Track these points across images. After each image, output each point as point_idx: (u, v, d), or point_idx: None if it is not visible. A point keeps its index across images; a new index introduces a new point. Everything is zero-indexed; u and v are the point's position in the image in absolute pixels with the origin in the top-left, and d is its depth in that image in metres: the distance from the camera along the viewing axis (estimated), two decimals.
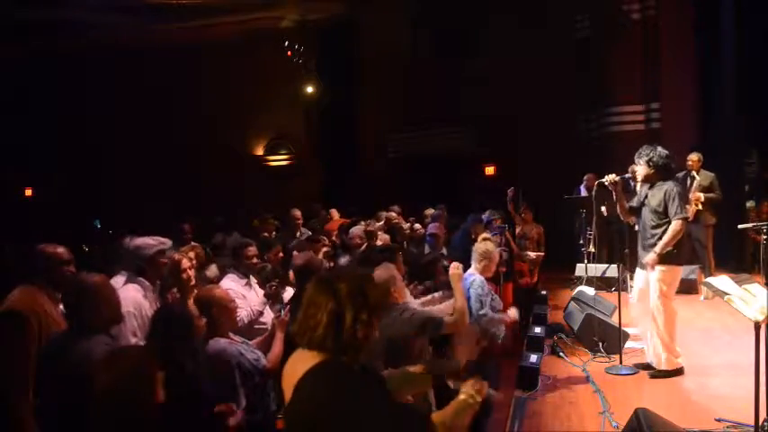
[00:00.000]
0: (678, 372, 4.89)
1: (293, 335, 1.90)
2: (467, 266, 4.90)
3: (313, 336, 1.81)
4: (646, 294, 4.98)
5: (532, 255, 6.93)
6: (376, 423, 1.73)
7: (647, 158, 4.92)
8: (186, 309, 2.88)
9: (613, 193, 5.07)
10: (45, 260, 3.24)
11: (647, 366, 5.11)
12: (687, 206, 5.03)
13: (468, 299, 4.41)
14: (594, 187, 5.37)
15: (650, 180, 4.95)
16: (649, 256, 4.84)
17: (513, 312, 4.71)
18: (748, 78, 8.72)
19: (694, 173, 7.56)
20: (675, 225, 4.76)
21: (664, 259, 4.80)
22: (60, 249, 3.29)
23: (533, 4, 10.70)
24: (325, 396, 1.75)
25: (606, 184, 5.06)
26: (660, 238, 4.81)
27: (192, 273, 4.08)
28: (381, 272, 3.41)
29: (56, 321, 3.08)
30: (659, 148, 4.97)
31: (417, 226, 7.39)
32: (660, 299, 4.83)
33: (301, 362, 1.84)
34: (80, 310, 2.80)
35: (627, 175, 5.15)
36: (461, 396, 1.95)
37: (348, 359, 1.83)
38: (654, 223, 4.88)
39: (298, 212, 7.78)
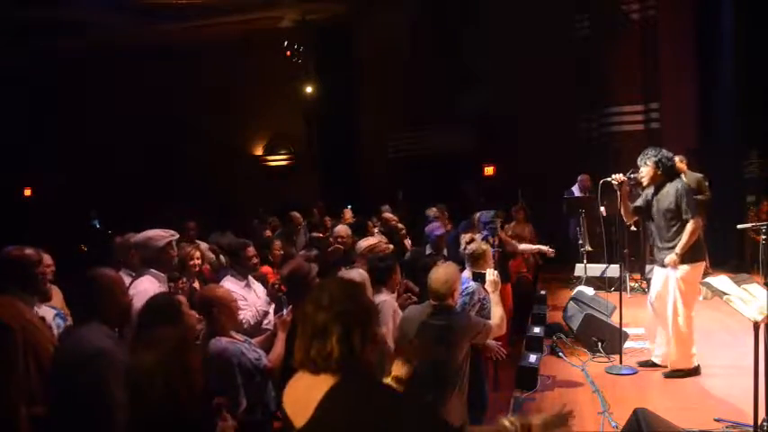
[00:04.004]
0: (695, 371, 4.88)
1: (298, 363, 1.84)
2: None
3: (326, 364, 1.77)
4: (663, 294, 4.97)
5: (531, 248, 6.86)
6: None
7: (655, 160, 4.90)
8: (174, 298, 2.86)
9: (618, 193, 5.06)
10: (14, 265, 3.05)
11: (650, 364, 5.11)
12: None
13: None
14: (600, 186, 5.36)
15: (655, 181, 4.94)
16: (670, 257, 4.82)
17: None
18: (748, 78, 8.71)
19: (682, 175, 7.53)
20: (692, 224, 4.77)
21: (684, 258, 4.81)
22: (29, 251, 3.10)
23: (533, 4, 10.69)
24: (363, 418, 1.71)
25: (613, 183, 5.05)
26: (677, 237, 4.81)
27: (198, 263, 4.31)
28: (449, 270, 3.40)
29: (37, 329, 2.97)
30: (663, 150, 4.97)
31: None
32: (681, 298, 4.82)
33: (312, 387, 1.79)
34: (85, 303, 2.73)
35: (633, 175, 5.14)
36: (505, 422, 1.77)
37: (364, 376, 1.81)
38: (670, 223, 4.87)
39: (299, 216, 7.79)
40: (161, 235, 3.72)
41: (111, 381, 2.41)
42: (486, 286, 3.80)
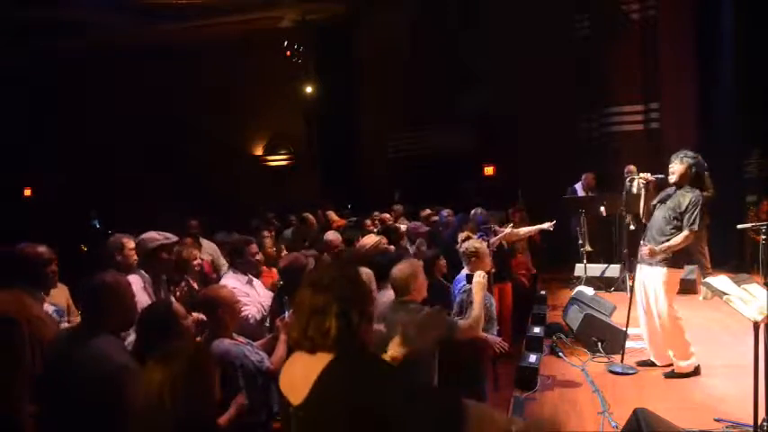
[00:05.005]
0: (695, 371, 4.88)
1: (294, 342, 1.88)
2: (453, 268, 4.90)
3: (324, 341, 1.81)
4: (646, 296, 5.00)
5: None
6: (418, 409, 1.75)
7: (691, 162, 4.88)
8: (171, 307, 2.86)
9: (643, 192, 5.06)
10: (27, 261, 3.13)
11: (649, 363, 5.11)
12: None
13: (453, 300, 4.41)
14: (627, 184, 5.34)
15: (681, 180, 4.91)
16: (649, 248, 4.82)
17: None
18: (748, 78, 8.71)
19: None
20: (685, 235, 4.76)
21: (667, 262, 4.82)
22: (42, 249, 3.18)
23: (533, 4, 10.70)
24: (362, 391, 1.75)
25: (640, 183, 5.04)
26: (668, 238, 4.81)
27: (199, 263, 4.44)
28: (405, 266, 3.42)
29: (44, 324, 3.00)
30: (700, 158, 4.95)
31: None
32: (662, 299, 4.84)
33: (309, 365, 1.82)
34: (93, 310, 2.72)
35: (660, 176, 5.12)
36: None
37: (360, 352, 1.85)
38: (671, 222, 4.84)
39: (312, 218, 7.79)
40: (154, 238, 3.83)
41: (132, 394, 2.41)
42: (472, 287, 3.80)
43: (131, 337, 3.28)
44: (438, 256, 4.82)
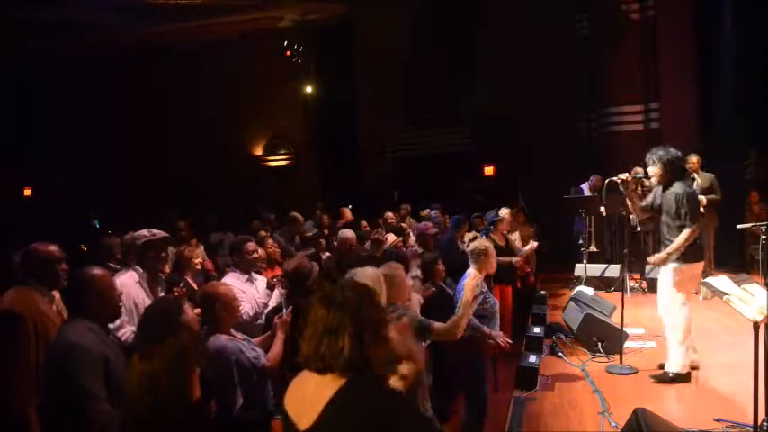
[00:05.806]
0: (688, 376, 4.79)
1: (305, 359, 1.86)
2: (451, 270, 4.89)
3: (335, 360, 1.80)
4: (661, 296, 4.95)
5: (526, 248, 6.92)
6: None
7: (664, 161, 4.84)
8: (173, 303, 2.88)
9: (625, 192, 5.05)
10: (39, 259, 3.25)
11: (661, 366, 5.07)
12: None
13: (459, 298, 4.41)
14: (605, 186, 5.34)
15: (662, 180, 4.90)
16: (657, 256, 4.81)
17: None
18: (748, 78, 8.71)
19: (695, 175, 7.54)
20: (689, 230, 4.72)
21: (679, 258, 4.76)
22: (52, 248, 3.30)
23: (533, 4, 10.70)
24: (371, 419, 1.75)
25: (618, 183, 5.03)
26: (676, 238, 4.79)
27: (199, 261, 4.60)
28: (383, 269, 3.40)
29: (51, 321, 3.09)
30: (672, 150, 4.89)
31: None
32: (673, 298, 4.79)
33: (321, 386, 1.82)
34: (75, 301, 2.80)
35: (639, 175, 5.09)
36: None
37: (371, 378, 1.85)
38: (675, 223, 4.82)
39: (301, 217, 7.79)
40: (141, 234, 3.94)
41: (83, 373, 2.50)
42: (463, 287, 3.77)
43: (124, 330, 3.43)
44: (436, 260, 4.80)
